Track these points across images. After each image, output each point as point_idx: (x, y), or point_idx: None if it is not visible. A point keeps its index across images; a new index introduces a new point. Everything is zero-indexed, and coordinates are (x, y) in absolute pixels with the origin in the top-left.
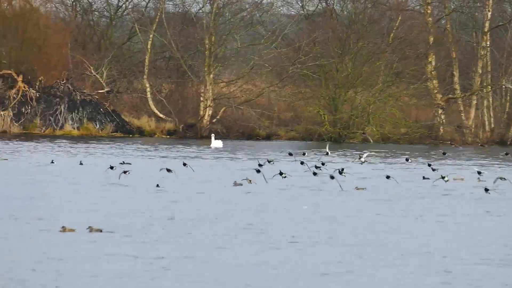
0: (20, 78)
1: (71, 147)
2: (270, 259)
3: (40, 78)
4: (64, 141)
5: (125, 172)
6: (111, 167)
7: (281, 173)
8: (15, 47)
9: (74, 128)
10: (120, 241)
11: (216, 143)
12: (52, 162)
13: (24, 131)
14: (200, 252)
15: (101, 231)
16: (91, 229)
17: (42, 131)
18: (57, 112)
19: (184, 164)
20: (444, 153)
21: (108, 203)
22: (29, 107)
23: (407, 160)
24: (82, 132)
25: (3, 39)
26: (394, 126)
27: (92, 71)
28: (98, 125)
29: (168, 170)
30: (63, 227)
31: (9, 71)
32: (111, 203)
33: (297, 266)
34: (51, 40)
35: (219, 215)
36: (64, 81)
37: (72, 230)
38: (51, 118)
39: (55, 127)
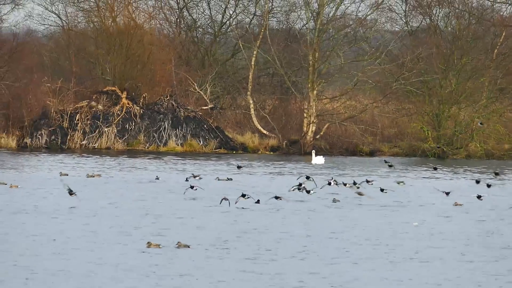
0: (124, 95)
1: (179, 163)
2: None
3: (144, 95)
4: (169, 157)
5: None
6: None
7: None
8: (119, 64)
9: (178, 145)
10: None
11: (317, 160)
12: (157, 178)
13: (128, 148)
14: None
15: (188, 246)
16: (179, 245)
17: (146, 147)
18: (161, 129)
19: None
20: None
21: (211, 219)
22: (133, 124)
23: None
24: (186, 148)
25: (107, 56)
26: (498, 142)
27: (196, 88)
28: (201, 142)
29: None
30: (148, 242)
31: (113, 88)
32: (214, 219)
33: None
34: (155, 56)
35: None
36: (168, 98)
37: (157, 246)
38: (155, 134)
39: (159, 143)
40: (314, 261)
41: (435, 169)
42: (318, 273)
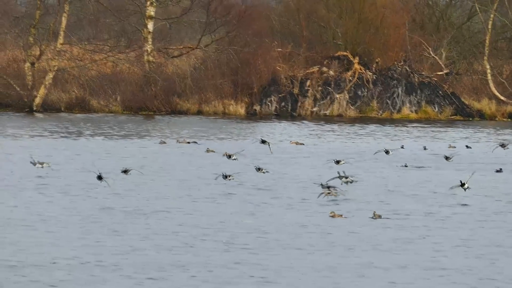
0: (356, 60)
1: (416, 131)
2: None
3: (377, 60)
4: (403, 124)
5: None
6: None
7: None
8: (351, 28)
9: (412, 112)
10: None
11: None
12: (402, 147)
13: (360, 115)
14: None
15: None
16: (375, 215)
17: (379, 114)
18: (395, 95)
19: None
20: None
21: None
22: (366, 90)
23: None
24: (420, 115)
25: (339, 20)
26: None
27: (431, 53)
28: (436, 108)
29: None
30: (331, 212)
31: (345, 53)
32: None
33: None
34: (388, 20)
35: None
36: (402, 63)
37: (340, 216)
38: (388, 101)
39: (392, 110)
40: None
41: None
42: None
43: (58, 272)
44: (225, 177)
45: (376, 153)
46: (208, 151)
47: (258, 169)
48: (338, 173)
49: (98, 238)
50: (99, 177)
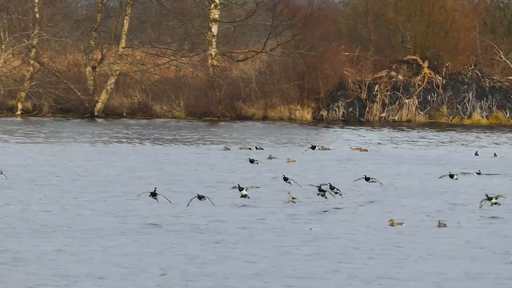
0: (425, 64)
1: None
2: None
3: (447, 64)
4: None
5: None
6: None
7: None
8: (420, 31)
9: (482, 117)
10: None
11: None
12: (476, 154)
13: (430, 120)
14: None
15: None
16: (440, 224)
17: (449, 120)
18: (465, 100)
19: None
20: None
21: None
22: (436, 95)
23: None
24: (491, 121)
25: (408, 23)
26: None
27: (502, 56)
28: (508, 114)
29: None
30: (390, 220)
31: (414, 57)
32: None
33: None
34: (458, 23)
35: None
36: (472, 67)
37: (399, 224)
38: (458, 106)
39: (462, 116)
40: None
41: None
42: None
43: (147, 281)
44: (240, 189)
45: (441, 177)
46: (270, 157)
47: (285, 179)
48: (329, 184)
49: (185, 247)
50: (153, 194)
